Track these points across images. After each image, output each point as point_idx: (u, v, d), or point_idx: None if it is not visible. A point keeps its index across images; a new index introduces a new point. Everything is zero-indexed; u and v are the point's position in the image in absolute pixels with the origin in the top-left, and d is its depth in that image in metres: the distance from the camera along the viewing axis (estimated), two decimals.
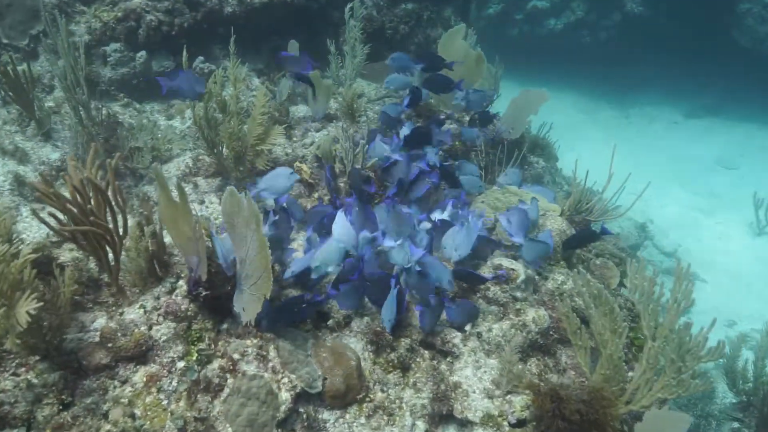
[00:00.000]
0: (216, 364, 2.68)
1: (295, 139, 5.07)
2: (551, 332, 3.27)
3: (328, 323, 3.16)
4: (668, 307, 2.57)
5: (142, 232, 2.98)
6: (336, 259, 3.07)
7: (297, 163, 4.21)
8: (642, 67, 12.79)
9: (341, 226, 3.17)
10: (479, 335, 3.17)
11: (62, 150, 4.59)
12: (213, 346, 2.76)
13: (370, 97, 5.85)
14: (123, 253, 2.88)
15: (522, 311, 3.26)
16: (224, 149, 4.21)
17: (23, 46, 5.46)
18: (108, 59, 5.66)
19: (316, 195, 3.85)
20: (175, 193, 2.82)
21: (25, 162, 4.35)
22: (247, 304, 2.76)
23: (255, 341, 2.74)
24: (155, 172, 2.85)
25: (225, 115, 4.02)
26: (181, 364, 2.72)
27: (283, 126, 4.99)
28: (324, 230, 3.39)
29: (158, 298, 2.93)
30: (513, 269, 3.40)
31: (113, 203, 2.80)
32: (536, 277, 3.56)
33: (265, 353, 2.71)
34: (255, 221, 2.67)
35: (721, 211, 9.48)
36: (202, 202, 4.33)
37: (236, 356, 2.66)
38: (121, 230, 2.85)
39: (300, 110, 5.52)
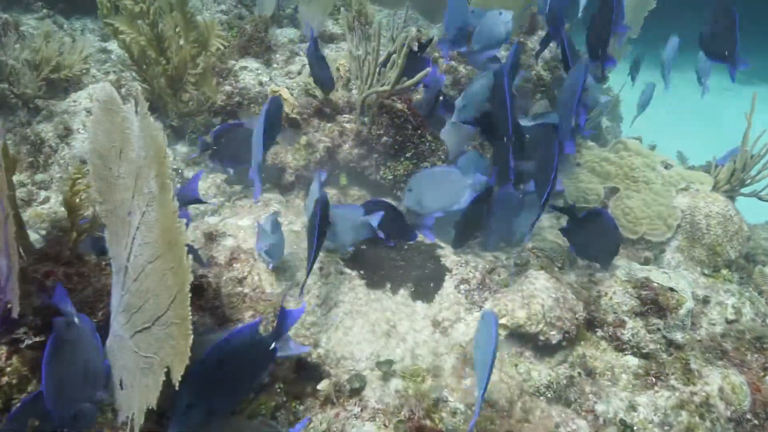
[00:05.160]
0: None
1: (275, 65, 3.48)
2: (748, 414, 1.71)
3: (319, 388, 1.58)
4: None
5: None
6: None
7: (273, 87, 2.57)
8: (685, 24, 11.09)
9: None
10: (624, 425, 1.58)
11: None
12: None
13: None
14: None
15: (697, 374, 1.68)
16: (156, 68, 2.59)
17: None
18: None
19: (304, 140, 2.23)
20: None
21: None
22: (133, 376, 1.16)
23: None
24: None
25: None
26: None
27: (260, 45, 3.46)
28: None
29: None
30: (672, 289, 1.82)
31: None
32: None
33: None
34: (157, 170, 1.08)
35: None
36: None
37: None
38: None
39: (287, 33, 3.97)
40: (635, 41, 4.11)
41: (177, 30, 2.54)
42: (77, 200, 1.33)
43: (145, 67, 2.73)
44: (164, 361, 1.11)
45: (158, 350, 1.13)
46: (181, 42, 2.57)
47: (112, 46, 3.97)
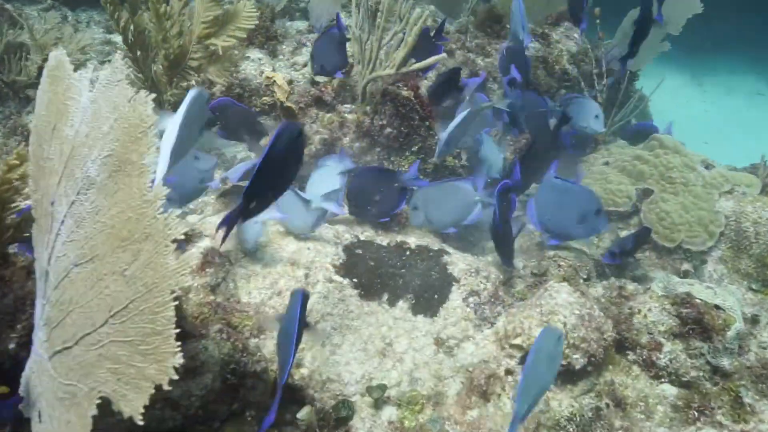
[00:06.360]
0: None
1: (281, 56, 3.29)
2: None
3: (299, 417, 1.35)
4: None
5: None
6: None
7: (267, 72, 2.36)
8: (719, 25, 10.66)
9: None
10: None
11: None
12: None
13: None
14: None
15: (749, 409, 1.42)
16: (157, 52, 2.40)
17: None
18: None
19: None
20: None
21: None
22: (52, 407, 0.94)
23: None
24: None
25: None
26: None
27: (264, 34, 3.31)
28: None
29: None
30: (718, 307, 1.55)
31: None
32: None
33: None
34: (114, 148, 0.88)
35: None
36: None
37: None
38: None
39: (297, 26, 3.84)
40: (674, 39, 3.86)
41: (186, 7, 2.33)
42: (7, 190, 1.12)
43: (139, 53, 2.54)
44: (95, 392, 0.89)
45: (84, 377, 0.91)
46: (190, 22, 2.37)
47: (117, 38, 3.85)
